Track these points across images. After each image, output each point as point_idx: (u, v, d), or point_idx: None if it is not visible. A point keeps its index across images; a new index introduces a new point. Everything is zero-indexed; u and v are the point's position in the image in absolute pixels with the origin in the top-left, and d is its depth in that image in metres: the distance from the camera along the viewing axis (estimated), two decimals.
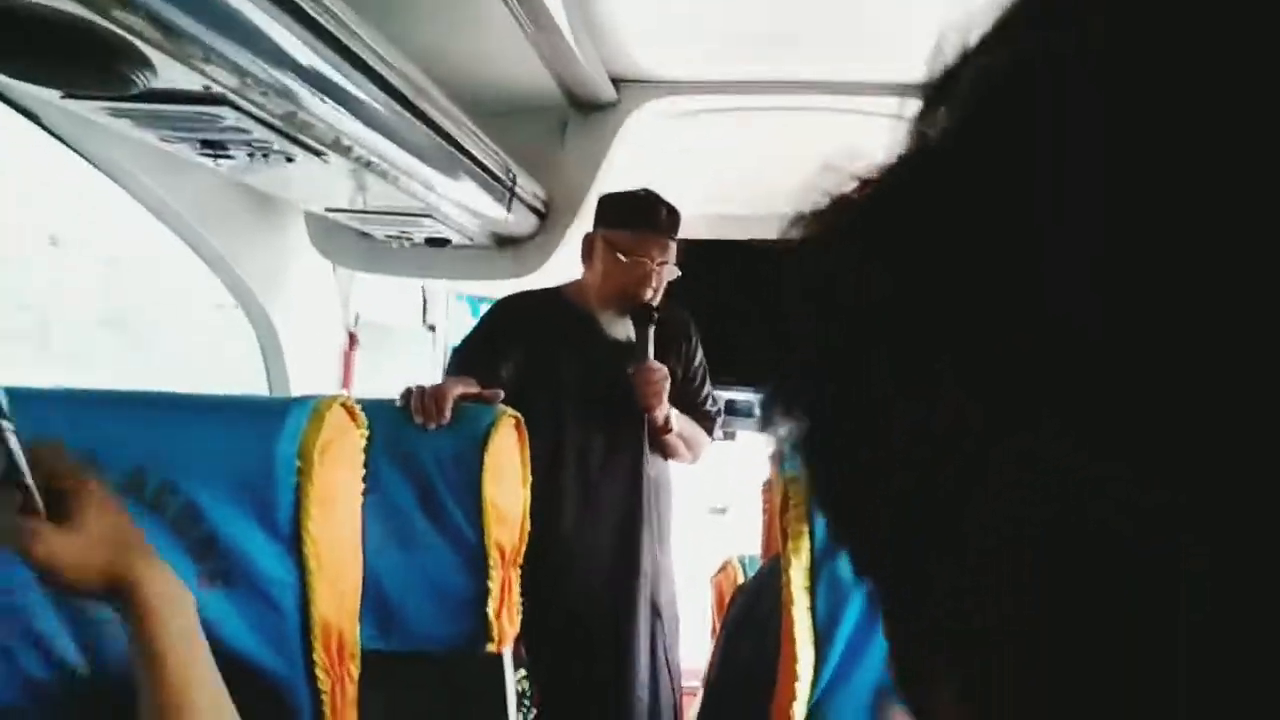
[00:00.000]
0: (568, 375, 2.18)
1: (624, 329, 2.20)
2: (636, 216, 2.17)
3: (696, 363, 2.35)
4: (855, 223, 0.26)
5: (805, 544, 1.01)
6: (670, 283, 2.21)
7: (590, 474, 2.19)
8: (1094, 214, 0.19)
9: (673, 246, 2.20)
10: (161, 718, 0.81)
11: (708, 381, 2.39)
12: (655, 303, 2.17)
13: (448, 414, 1.51)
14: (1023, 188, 0.21)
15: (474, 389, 1.71)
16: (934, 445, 0.22)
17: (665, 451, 2.27)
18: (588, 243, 2.23)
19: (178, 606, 0.84)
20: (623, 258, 2.15)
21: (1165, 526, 0.18)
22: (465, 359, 2.16)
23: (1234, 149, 0.18)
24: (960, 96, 0.23)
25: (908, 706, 0.28)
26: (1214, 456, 0.18)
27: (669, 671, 2.25)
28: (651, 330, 2.14)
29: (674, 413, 2.21)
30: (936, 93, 0.24)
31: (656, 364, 2.14)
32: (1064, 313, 0.19)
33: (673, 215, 2.19)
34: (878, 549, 0.26)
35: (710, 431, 2.38)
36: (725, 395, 2.47)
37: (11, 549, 0.81)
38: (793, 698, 0.98)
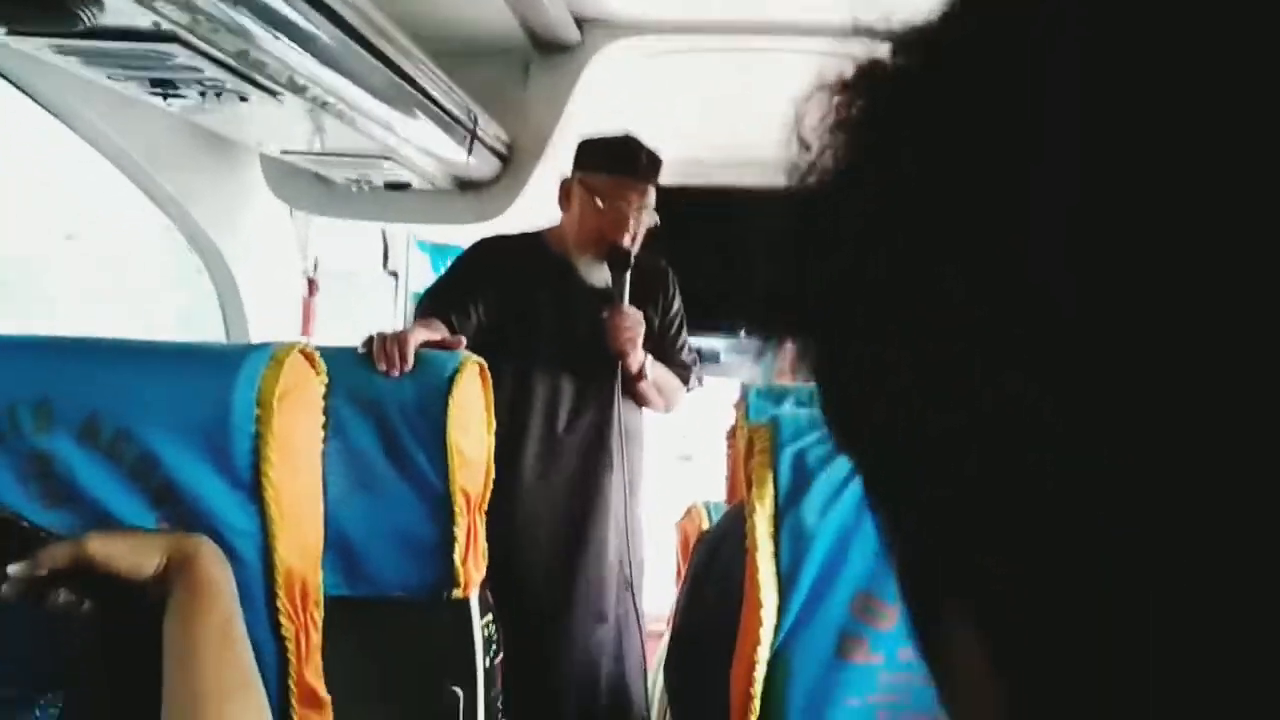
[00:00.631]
0: (543, 320, 2.16)
1: (601, 275, 2.17)
2: (615, 161, 2.14)
3: (674, 312, 2.33)
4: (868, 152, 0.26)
5: (769, 491, 1.01)
6: (649, 230, 2.19)
7: (558, 420, 2.18)
8: (1072, 187, 0.20)
9: (652, 192, 2.17)
10: (196, 699, 0.81)
11: (685, 331, 2.37)
12: (633, 249, 2.15)
13: (410, 361, 1.49)
14: (1018, 164, 0.21)
15: (437, 335, 1.69)
16: (930, 376, 0.23)
17: (639, 399, 2.26)
18: (565, 187, 2.20)
19: (229, 583, 0.87)
20: (600, 203, 2.12)
21: (1096, 496, 0.19)
22: (438, 300, 2.13)
23: (1210, 142, 0.18)
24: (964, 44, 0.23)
25: (915, 635, 0.28)
26: (1161, 440, 0.19)
27: (635, 617, 2.27)
28: (628, 275, 2.12)
29: (649, 360, 2.20)
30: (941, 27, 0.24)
31: (631, 309, 2.12)
32: (1041, 281, 0.20)
33: (653, 160, 2.16)
34: (883, 469, 0.26)
35: (686, 381, 2.37)
36: (694, 341, 2.46)
37: (69, 558, 0.84)
38: (756, 643, 0.99)
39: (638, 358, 2.16)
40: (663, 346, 2.27)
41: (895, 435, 0.24)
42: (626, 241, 2.13)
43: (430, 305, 2.12)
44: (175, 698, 0.81)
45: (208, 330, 2.37)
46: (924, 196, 0.23)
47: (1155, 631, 0.19)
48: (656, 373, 2.23)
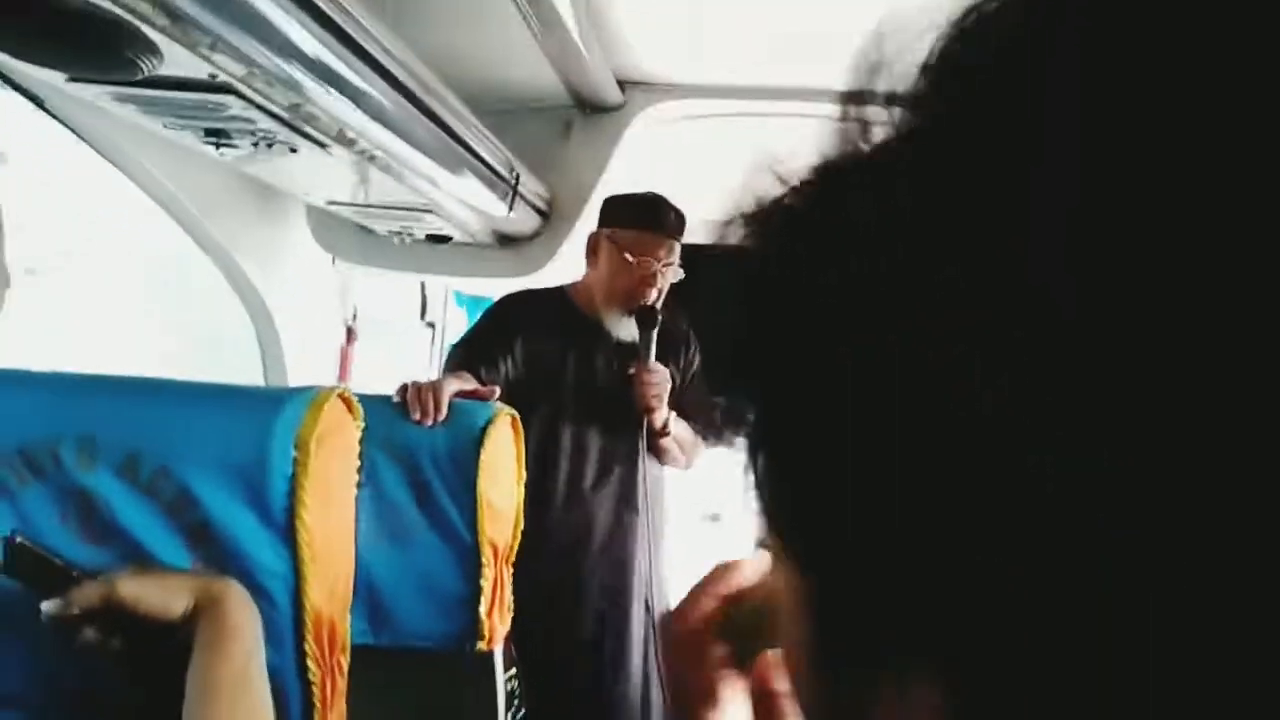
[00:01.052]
0: (569, 374, 2.18)
1: (627, 330, 2.19)
2: (644, 217, 2.17)
3: (694, 369, 2.35)
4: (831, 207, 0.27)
5: None
6: (672, 288, 2.21)
7: (584, 474, 2.19)
8: (1072, 190, 0.20)
9: (677, 248, 2.20)
10: None
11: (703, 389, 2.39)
12: (658, 304, 2.17)
13: (445, 410, 1.50)
14: (1018, 166, 0.22)
15: (470, 386, 1.70)
16: (931, 381, 0.23)
17: (660, 455, 2.27)
18: (593, 242, 2.23)
19: (253, 628, 0.88)
20: (629, 257, 2.14)
21: (1096, 498, 0.20)
22: (466, 354, 2.15)
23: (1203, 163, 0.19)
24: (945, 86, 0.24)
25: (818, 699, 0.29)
26: (1161, 442, 0.19)
27: (659, 676, 2.24)
28: (655, 333, 2.14)
29: (672, 417, 2.21)
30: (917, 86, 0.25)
31: (658, 366, 2.14)
32: (1041, 284, 0.21)
33: (679, 217, 2.19)
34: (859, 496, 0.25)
35: (705, 439, 2.38)
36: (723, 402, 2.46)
37: (100, 597, 0.85)
38: None
39: (663, 414, 2.18)
40: (682, 404, 2.28)
41: (890, 450, 0.24)
42: (653, 297, 2.15)
43: (459, 358, 2.14)
44: None
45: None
46: (923, 201, 0.23)
47: (1155, 632, 0.19)
48: (678, 429, 2.24)
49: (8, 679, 0.93)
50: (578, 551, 2.19)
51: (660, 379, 2.14)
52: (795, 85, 2.34)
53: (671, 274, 2.18)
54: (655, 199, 2.19)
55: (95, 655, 0.88)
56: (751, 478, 0.30)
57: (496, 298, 2.36)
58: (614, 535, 2.21)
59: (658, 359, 2.15)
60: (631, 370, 2.14)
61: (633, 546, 2.21)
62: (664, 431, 2.21)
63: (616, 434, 2.20)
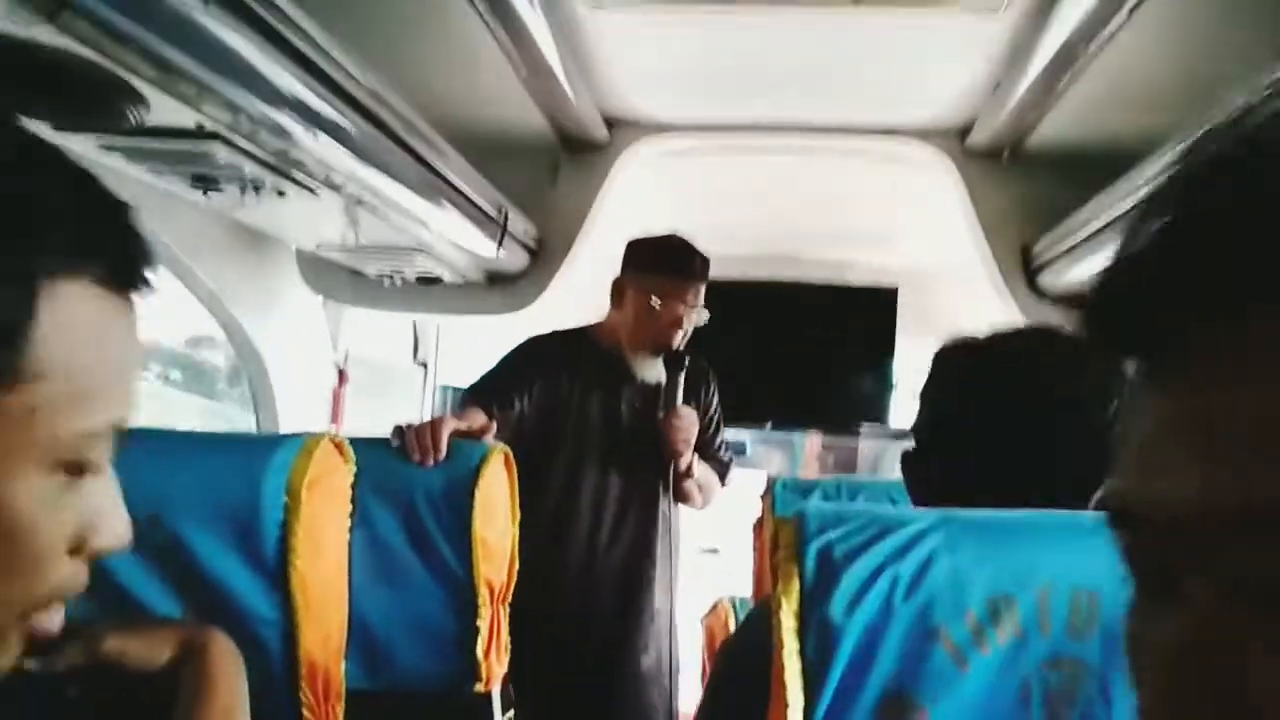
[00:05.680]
0: (594, 415, 2.18)
1: (652, 372, 2.19)
2: (670, 262, 2.17)
3: (713, 409, 2.36)
4: None
5: (795, 585, 1.00)
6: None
7: (604, 515, 2.19)
8: None
9: (702, 290, 2.19)
10: None
11: (722, 428, 2.40)
12: (682, 346, 2.17)
13: (444, 449, 1.49)
14: None
15: (466, 425, 1.69)
16: None
17: (680, 496, 2.27)
18: (618, 286, 2.22)
19: (236, 678, 0.87)
20: (656, 302, 2.14)
21: None
22: (481, 393, 2.13)
23: None
24: None
25: None
26: None
27: (671, 714, 2.24)
28: (682, 376, 2.14)
29: (695, 459, 2.22)
30: None
31: (687, 410, 2.15)
32: None
33: (703, 260, 2.19)
34: None
35: (723, 478, 2.38)
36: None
37: (84, 654, 0.84)
38: None
39: (688, 457, 2.18)
40: (701, 442, 2.27)
41: None
42: (679, 340, 2.15)
43: (473, 397, 2.12)
44: None
45: None
46: None
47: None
48: (700, 471, 2.25)
49: None
50: (591, 592, 2.18)
51: (688, 422, 2.15)
52: (778, 119, 2.36)
53: (696, 316, 2.18)
54: (679, 243, 2.18)
55: (81, 710, 0.87)
56: None
57: (492, 336, 2.36)
58: (630, 576, 2.21)
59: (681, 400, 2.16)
60: (660, 414, 2.14)
61: (650, 587, 2.22)
62: (688, 473, 2.21)
63: (638, 475, 2.20)
